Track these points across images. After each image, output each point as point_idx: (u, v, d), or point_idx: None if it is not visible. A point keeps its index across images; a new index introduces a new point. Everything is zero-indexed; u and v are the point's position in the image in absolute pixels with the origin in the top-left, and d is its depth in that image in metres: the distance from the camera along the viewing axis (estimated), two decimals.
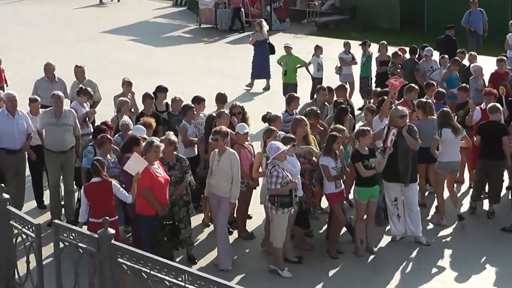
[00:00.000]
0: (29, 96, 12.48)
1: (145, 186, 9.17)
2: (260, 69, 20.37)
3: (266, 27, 20.93)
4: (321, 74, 17.87)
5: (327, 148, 10.19)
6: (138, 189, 9.21)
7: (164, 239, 9.69)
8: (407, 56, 17.04)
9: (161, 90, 13.04)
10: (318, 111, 11.64)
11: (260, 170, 10.19)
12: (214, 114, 11.16)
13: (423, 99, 12.18)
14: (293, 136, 10.12)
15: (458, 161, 11.38)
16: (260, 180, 10.54)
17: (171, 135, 10.01)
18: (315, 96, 13.22)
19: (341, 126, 10.74)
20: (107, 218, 6.47)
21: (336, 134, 10.20)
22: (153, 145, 9.32)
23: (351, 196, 11.29)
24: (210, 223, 11.04)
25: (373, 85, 17.36)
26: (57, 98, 11.34)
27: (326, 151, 10.18)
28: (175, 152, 9.96)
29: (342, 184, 10.30)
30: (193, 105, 11.66)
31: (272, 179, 9.41)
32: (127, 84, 13.46)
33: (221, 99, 12.29)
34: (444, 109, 11.59)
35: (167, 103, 13.02)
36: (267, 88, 20.29)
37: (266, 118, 11.25)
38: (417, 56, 16.77)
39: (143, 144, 9.61)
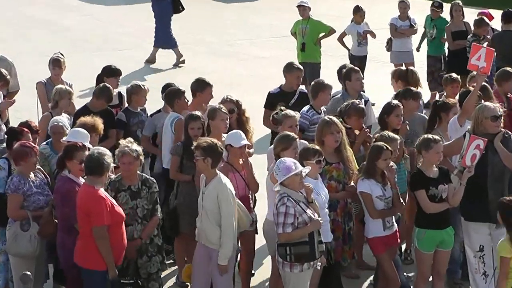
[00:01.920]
0: None
1: (100, 225, 9.03)
2: (159, 35, 20.94)
3: None
4: (365, 50, 18.04)
5: (368, 166, 10.13)
6: (85, 228, 9.11)
7: None
8: (496, 26, 16.98)
9: (111, 73, 13.03)
10: (362, 106, 11.51)
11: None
12: (197, 113, 11.09)
13: (403, 68, 12.92)
14: (317, 147, 10.10)
15: None
16: (264, 209, 10.47)
17: (133, 144, 9.90)
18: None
19: (391, 134, 10.66)
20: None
21: (381, 145, 10.14)
22: (108, 164, 9.27)
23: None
24: (188, 283, 10.99)
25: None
26: None
27: (367, 172, 10.13)
28: (138, 172, 9.95)
29: (395, 224, 10.27)
30: (183, 90, 11.70)
31: (279, 219, 9.30)
32: (56, 64, 13.38)
33: (201, 87, 12.11)
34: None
35: (120, 94, 13.06)
36: (178, 63, 20.62)
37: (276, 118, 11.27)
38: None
39: (86, 155, 9.48)
